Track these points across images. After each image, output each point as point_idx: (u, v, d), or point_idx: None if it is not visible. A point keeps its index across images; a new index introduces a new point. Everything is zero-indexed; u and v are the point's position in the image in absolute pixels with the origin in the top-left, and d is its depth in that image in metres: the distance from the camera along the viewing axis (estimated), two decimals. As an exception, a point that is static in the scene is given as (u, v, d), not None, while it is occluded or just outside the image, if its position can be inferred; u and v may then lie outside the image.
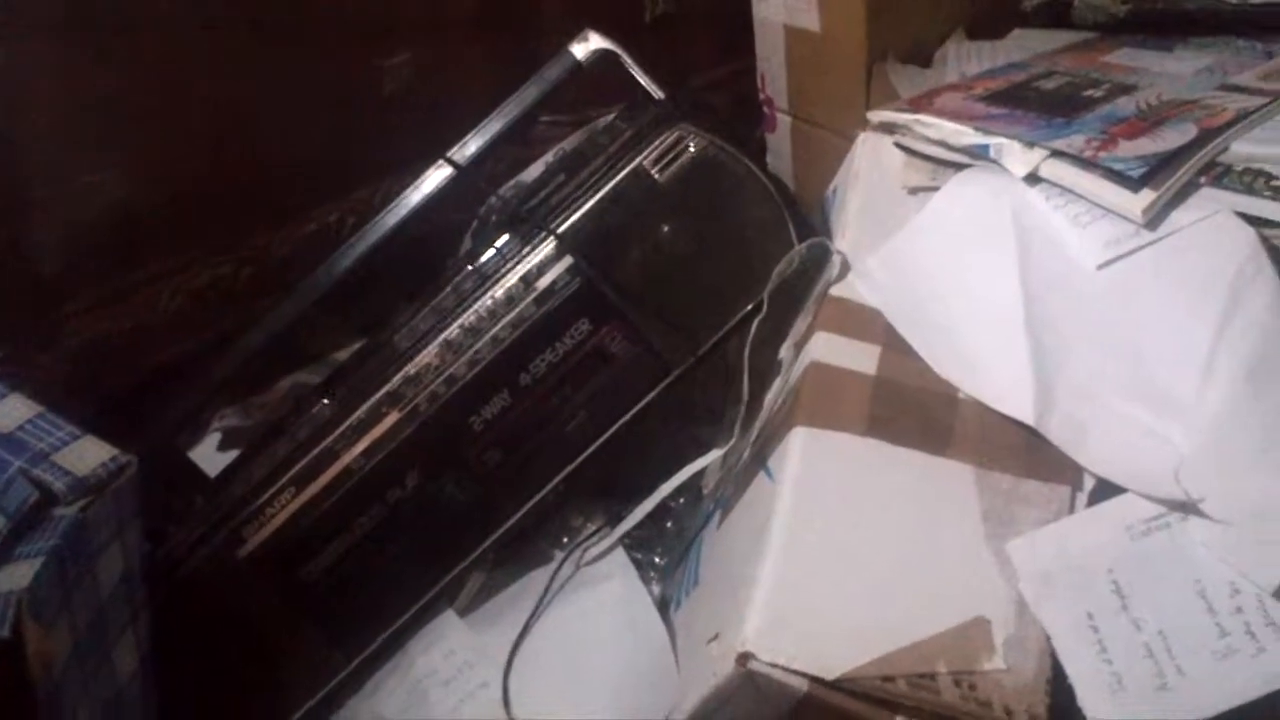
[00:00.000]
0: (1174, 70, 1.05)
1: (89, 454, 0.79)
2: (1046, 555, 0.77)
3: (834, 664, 0.71)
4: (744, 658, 0.72)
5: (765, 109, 1.27)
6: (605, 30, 1.04)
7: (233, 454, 1.10)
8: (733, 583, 0.80)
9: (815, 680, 0.71)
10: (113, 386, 1.08)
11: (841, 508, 0.80)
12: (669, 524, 1.03)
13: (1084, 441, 0.81)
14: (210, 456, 1.14)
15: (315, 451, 0.95)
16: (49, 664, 0.72)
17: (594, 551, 1.01)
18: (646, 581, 0.99)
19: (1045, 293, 0.87)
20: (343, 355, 1.20)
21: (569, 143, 1.18)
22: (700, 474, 0.97)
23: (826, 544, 0.78)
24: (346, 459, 0.95)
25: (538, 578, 1.01)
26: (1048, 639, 0.73)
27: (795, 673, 0.71)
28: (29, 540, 0.74)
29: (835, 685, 0.71)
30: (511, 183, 1.16)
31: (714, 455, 0.95)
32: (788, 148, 1.26)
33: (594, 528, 1.03)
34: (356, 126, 1.18)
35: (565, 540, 1.04)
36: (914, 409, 0.86)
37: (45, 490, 0.76)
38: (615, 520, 1.02)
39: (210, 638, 0.95)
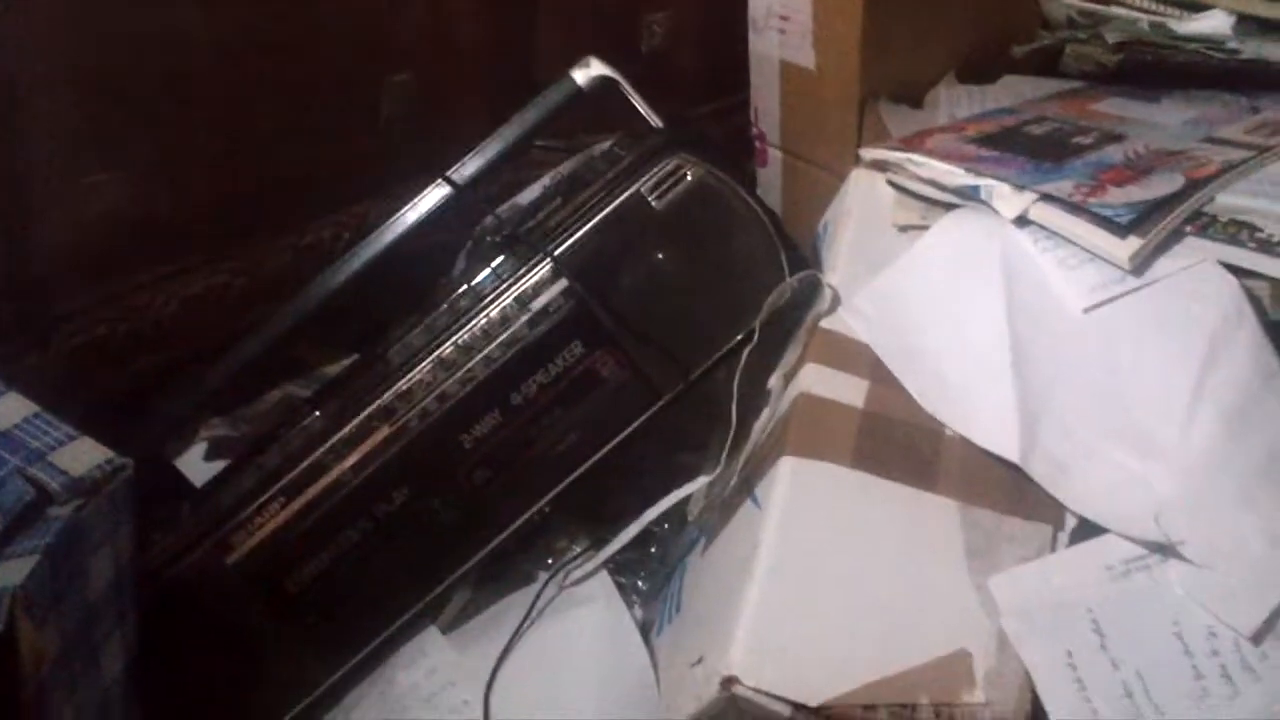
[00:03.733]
0: (1161, 121, 1.07)
1: (85, 455, 0.79)
2: (1028, 592, 0.78)
3: (817, 691, 0.72)
4: (728, 682, 0.73)
5: (757, 143, 1.29)
6: (602, 58, 1.05)
7: (218, 464, 1.10)
8: (718, 608, 0.81)
9: (798, 707, 0.72)
10: (103, 390, 1.08)
11: (828, 537, 0.81)
12: (653, 549, 1.04)
13: (1066, 480, 0.83)
14: (196, 465, 1.14)
15: (305, 463, 0.95)
16: (40, 661, 0.72)
17: (578, 574, 1.02)
18: (629, 605, 0.99)
19: (1032, 333, 0.89)
20: (333, 370, 1.20)
21: (566, 167, 1.19)
22: (685, 500, 0.97)
23: (812, 573, 0.79)
24: (336, 472, 0.95)
25: (521, 598, 1.01)
26: (1028, 675, 0.74)
27: (779, 699, 0.72)
28: (23, 538, 0.74)
29: (818, 712, 0.72)
30: (507, 204, 1.17)
31: (700, 482, 0.95)
32: (778, 182, 1.27)
33: (578, 550, 1.04)
34: (355, 142, 1.18)
35: (550, 561, 1.04)
36: (900, 443, 0.87)
37: (41, 489, 0.76)
38: (600, 543, 1.03)
39: (194, 643, 0.95)
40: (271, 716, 0.98)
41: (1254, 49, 1.09)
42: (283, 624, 0.97)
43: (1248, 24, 1.10)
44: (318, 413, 0.98)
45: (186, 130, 1.08)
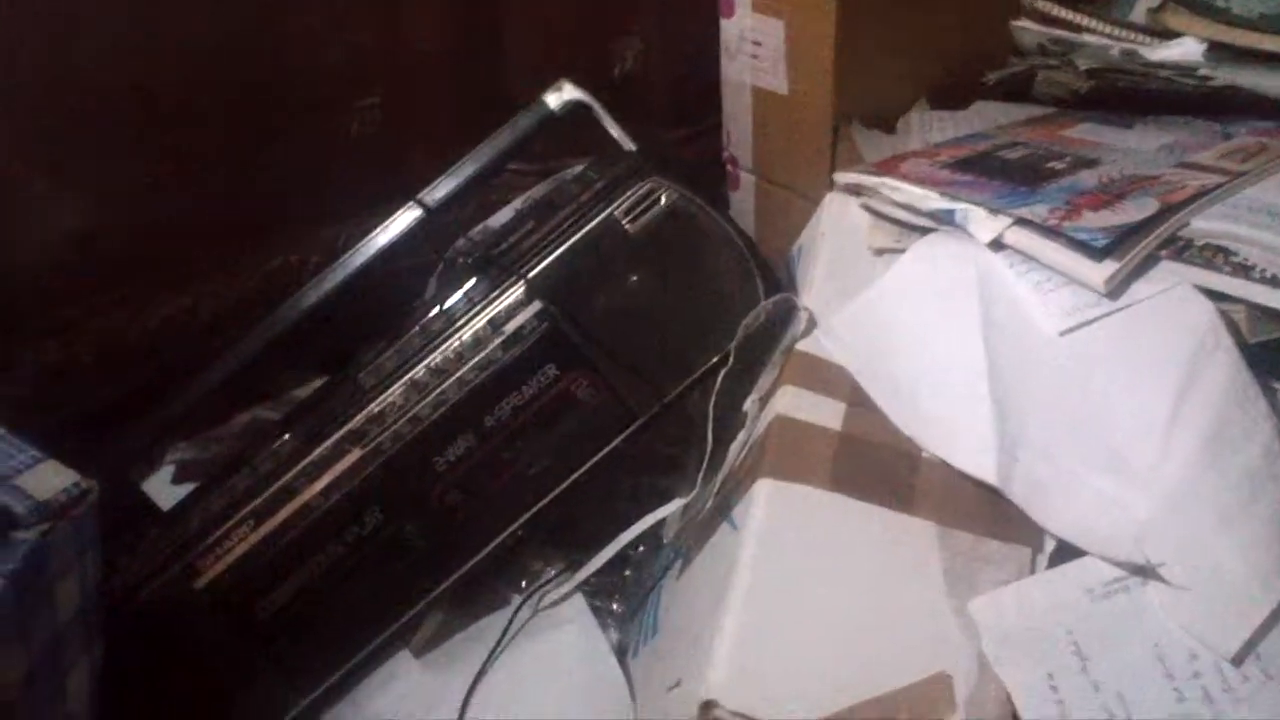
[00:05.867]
0: (1134, 146, 1.07)
1: (51, 478, 0.78)
2: (1008, 615, 0.77)
3: (796, 715, 0.71)
4: (707, 706, 0.72)
5: (729, 167, 1.29)
6: (574, 82, 1.05)
7: (186, 487, 1.08)
8: (695, 631, 0.80)
9: (778, 730, 0.71)
10: (68, 414, 1.07)
11: (805, 560, 0.81)
12: (628, 572, 1.03)
13: (1045, 503, 0.82)
14: (163, 489, 1.12)
15: (275, 487, 0.94)
16: (5, 689, 0.71)
17: (552, 597, 1.01)
18: (604, 628, 0.99)
19: (1008, 356, 0.88)
20: (302, 393, 1.20)
21: (538, 191, 1.19)
22: (660, 523, 0.97)
23: (790, 595, 0.78)
24: (306, 495, 0.94)
25: (495, 621, 1.01)
26: (1009, 697, 0.73)
27: (758, 722, 0.71)
28: (-13, 563, 0.73)
29: (798, 735, 0.71)
30: (479, 228, 1.17)
31: (675, 505, 0.95)
32: (750, 206, 1.27)
33: (553, 573, 1.03)
34: (325, 166, 1.18)
35: (524, 584, 1.04)
36: (878, 465, 0.86)
37: (5, 513, 0.74)
38: (574, 566, 1.02)
39: (162, 670, 0.93)
40: (241, 744, 0.97)
41: (1225, 75, 1.10)
42: (252, 650, 0.96)
43: (1218, 51, 1.10)
44: (288, 435, 0.97)
45: (154, 153, 1.07)
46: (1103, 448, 0.83)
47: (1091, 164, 1.01)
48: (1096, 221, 0.90)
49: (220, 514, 0.95)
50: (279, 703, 0.97)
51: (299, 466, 0.95)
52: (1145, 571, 0.77)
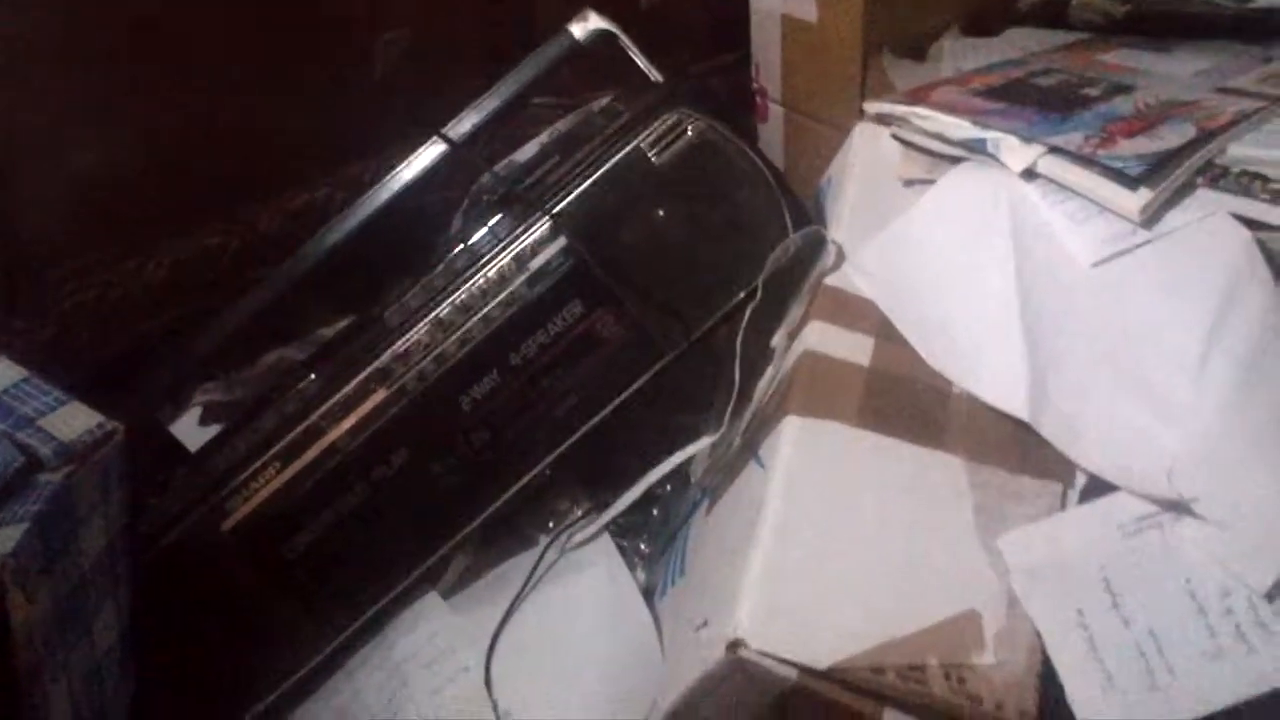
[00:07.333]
0: (1171, 72, 1.05)
1: (76, 420, 0.78)
2: (1038, 551, 0.76)
3: (824, 654, 0.70)
4: (734, 645, 0.71)
5: (758, 99, 1.27)
6: (600, 14, 1.03)
7: (213, 429, 1.09)
8: (722, 571, 0.80)
9: (805, 670, 0.70)
10: (94, 356, 1.07)
11: (833, 497, 0.80)
12: (655, 511, 1.03)
13: (1077, 438, 0.81)
14: (191, 430, 1.13)
15: (301, 427, 0.94)
16: (31, 632, 0.71)
17: (579, 537, 1.01)
18: (631, 568, 0.99)
19: (1040, 288, 0.87)
20: (328, 332, 1.19)
21: (564, 124, 1.17)
22: (688, 462, 0.96)
23: (818, 534, 0.78)
24: (332, 436, 0.94)
25: (522, 562, 1.01)
26: (1038, 635, 0.72)
27: (785, 662, 0.70)
28: (12, 505, 0.73)
29: (825, 675, 0.70)
30: (504, 162, 1.15)
31: (703, 443, 0.94)
32: (779, 138, 1.26)
33: (580, 513, 1.03)
34: (349, 101, 1.17)
35: (551, 525, 1.03)
36: (907, 401, 0.85)
37: (30, 455, 0.75)
38: (601, 506, 1.02)
39: (190, 611, 0.94)
40: (269, 684, 0.97)
41: (1266, -2, 1.08)
42: (280, 590, 0.96)
43: (1259, -28, 1.08)
44: (313, 375, 0.97)
45: (174, 91, 1.07)
46: (1135, 381, 0.82)
47: (1127, 90, 0.99)
48: (1131, 149, 0.88)
49: (247, 455, 0.95)
50: (307, 643, 0.98)
51: (325, 407, 0.95)
52: (1178, 507, 0.76)
